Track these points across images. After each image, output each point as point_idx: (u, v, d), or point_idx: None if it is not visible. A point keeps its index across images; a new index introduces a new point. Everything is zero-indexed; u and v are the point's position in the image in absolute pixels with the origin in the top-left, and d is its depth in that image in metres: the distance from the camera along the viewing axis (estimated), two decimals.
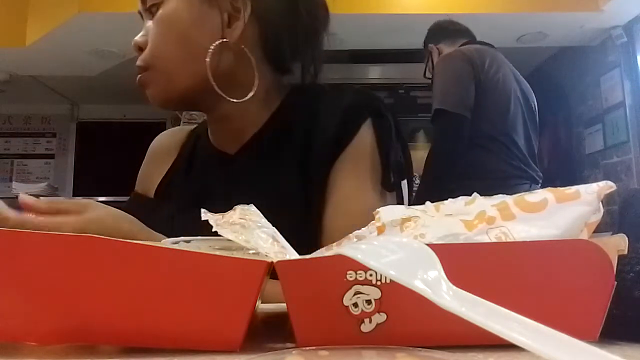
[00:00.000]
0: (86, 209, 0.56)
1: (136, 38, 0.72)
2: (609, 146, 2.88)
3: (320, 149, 0.70)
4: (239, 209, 0.42)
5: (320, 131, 0.72)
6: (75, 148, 4.30)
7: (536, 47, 2.99)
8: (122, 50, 2.92)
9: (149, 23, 0.72)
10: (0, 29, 2.82)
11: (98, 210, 0.57)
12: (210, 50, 0.68)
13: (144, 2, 0.72)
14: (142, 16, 0.74)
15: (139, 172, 0.89)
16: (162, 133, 0.92)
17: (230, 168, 0.75)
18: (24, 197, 0.54)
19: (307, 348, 0.26)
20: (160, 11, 0.70)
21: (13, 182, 3.93)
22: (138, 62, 0.71)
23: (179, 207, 0.75)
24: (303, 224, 0.66)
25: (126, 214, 0.61)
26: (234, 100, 0.69)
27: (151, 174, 0.85)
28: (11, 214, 0.51)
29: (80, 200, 0.58)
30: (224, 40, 0.69)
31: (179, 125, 3.23)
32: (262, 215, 0.42)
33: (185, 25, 0.69)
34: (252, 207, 0.43)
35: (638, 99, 2.72)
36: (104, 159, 4.13)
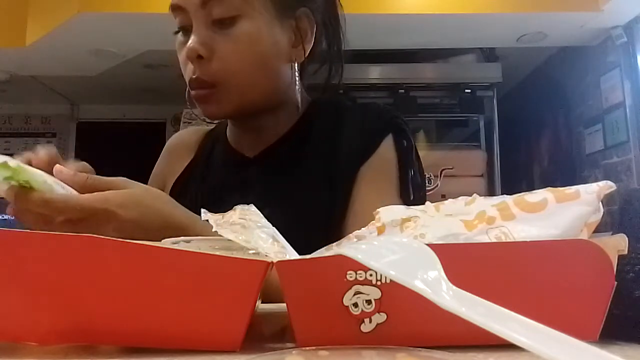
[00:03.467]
0: (125, 186, 0.54)
1: (194, 46, 0.66)
2: (609, 146, 2.88)
3: (344, 161, 0.73)
4: (239, 209, 0.42)
5: (344, 144, 0.74)
6: (75, 148, 4.30)
7: (536, 47, 2.99)
8: (122, 50, 2.92)
9: (208, 32, 0.67)
10: (0, 29, 2.82)
11: (137, 187, 0.56)
12: (281, 70, 0.71)
13: (206, 10, 0.67)
14: (180, 30, 0.70)
15: (155, 168, 0.88)
16: (180, 132, 0.92)
17: (247, 170, 0.77)
18: (60, 169, 0.52)
19: (307, 348, 0.26)
20: (238, 27, 0.67)
21: None
22: (200, 75, 0.67)
23: (192, 207, 0.75)
24: (321, 230, 0.65)
25: (164, 193, 0.60)
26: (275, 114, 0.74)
27: (168, 172, 0.86)
28: (56, 195, 0.49)
29: (114, 178, 0.55)
30: (294, 60, 0.72)
31: (179, 125, 3.23)
32: (262, 215, 0.42)
33: (265, 45, 0.69)
34: (252, 207, 0.43)
35: (638, 99, 2.72)
36: (104, 159, 4.11)
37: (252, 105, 0.71)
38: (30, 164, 0.52)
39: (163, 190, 0.84)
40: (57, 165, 0.53)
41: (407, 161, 0.73)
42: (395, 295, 0.30)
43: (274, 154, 0.76)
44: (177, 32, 0.71)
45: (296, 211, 0.69)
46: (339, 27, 0.79)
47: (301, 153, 0.76)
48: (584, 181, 0.37)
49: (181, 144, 0.88)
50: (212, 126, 0.90)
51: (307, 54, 0.73)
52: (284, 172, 0.75)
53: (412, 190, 0.73)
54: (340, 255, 0.28)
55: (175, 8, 0.69)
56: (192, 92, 0.69)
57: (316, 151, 0.75)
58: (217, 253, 0.31)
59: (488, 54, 3.12)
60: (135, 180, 0.88)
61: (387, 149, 0.73)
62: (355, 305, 0.30)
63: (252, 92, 0.70)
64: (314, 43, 0.75)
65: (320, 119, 0.78)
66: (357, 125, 0.75)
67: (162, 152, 0.89)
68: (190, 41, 0.67)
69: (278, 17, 0.69)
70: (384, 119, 0.76)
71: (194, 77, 0.68)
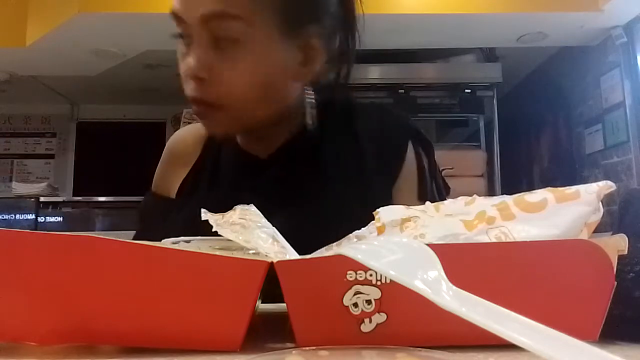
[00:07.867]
0: None
1: (194, 68, 0.63)
2: (609, 146, 2.87)
3: (371, 173, 0.73)
4: (239, 208, 0.42)
5: (368, 151, 0.74)
6: (75, 148, 4.30)
7: (536, 47, 2.99)
8: (122, 50, 2.91)
9: (209, 52, 0.63)
10: (0, 29, 2.82)
11: None
12: (289, 88, 0.69)
13: (207, 27, 0.62)
14: (181, 37, 0.66)
15: (157, 170, 0.85)
16: (181, 131, 0.87)
17: (262, 172, 0.74)
18: None
19: (307, 348, 0.26)
20: (240, 50, 0.63)
21: (13, 182, 3.92)
22: (200, 95, 0.64)
23: (202, 208, 0.74)
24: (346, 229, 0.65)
25: None
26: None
27: (171, 173, 0.82)
28: None
29: None
30: (301, 79, 0.69)
31: (179, 125, 3.23)
32: (262, 215, 0.42)
33: (270, 68, 0.65)
34: (252, 207, 0.43)
35: (638, 99, 2.71)
36: (104, 159, 4.14)
37: (259, 123, 0.69)
38: None
39: (168, 197, 0.80)
40: None
41: (433, 166, 0.76)
42: (395, 295, 0.30)
43: (289, 152, 0.73)
44: (178, 37, 0.67)
45: (321, 211, 0.68)
46: (355, 29, 0.77)
47: (317, 151, 0.74)
48: (584, 181, 0.37)
49: (183, 145, 0.84)
50: None
51: (312, 76, 0.70)
52: (301, 172, 0.73)
53: (439, 194, 0.75)
54: (340, 255, 0.28)
55: (175, 16, 0.65)
56: (193, 108, 0.67)
57: (333, 150, 0.74)
58: (217, 253, 0.31)
59: (488, 54, 3.12)
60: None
61: (411, 156, 0.74)
62: (355, 305, 0.30)
63: (258, 112, 0.67)
64: (338, 62, 0.73)
65: (332, 118, 0.76)
66: (376, 132, 0.75)
67: (164, 155, 0.85)
68: (189, 59, 0.64)
69: (284, 35, 0.65)
70: (402, 126, 0.77)
71: (194, 95, 0.65)
